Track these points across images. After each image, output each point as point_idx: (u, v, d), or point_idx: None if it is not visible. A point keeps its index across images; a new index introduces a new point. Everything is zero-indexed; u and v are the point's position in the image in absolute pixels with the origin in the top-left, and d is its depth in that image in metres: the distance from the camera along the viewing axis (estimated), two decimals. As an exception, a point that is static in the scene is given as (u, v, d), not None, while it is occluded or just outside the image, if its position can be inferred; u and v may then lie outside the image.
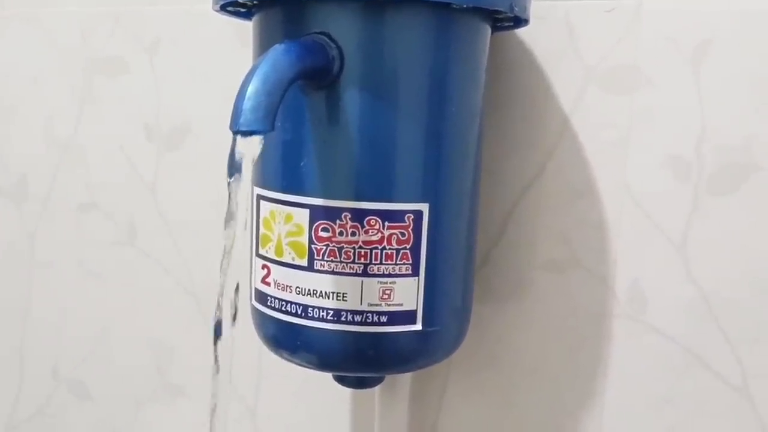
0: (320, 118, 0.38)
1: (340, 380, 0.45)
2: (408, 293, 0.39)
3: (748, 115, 0.44)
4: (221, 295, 0.34)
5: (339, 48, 0.37)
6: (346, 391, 0.55)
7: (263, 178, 0.40)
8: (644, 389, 0.48)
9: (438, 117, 0.39)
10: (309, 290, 0.39)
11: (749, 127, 0.44)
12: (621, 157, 0.46)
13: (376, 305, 0.39)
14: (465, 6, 0.37)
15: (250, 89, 0.33)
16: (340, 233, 0.38)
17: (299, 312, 0.39)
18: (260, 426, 0.60)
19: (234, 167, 0.33)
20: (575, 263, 0.48)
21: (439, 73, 0.39)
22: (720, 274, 0.45)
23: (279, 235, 0.39)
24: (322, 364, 0.41)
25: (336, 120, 0.38)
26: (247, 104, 0.33)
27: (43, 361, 0.68)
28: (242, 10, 0.42)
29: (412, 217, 0.38)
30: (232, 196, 0.34)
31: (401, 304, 0.39)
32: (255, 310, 0.42)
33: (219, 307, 0.34)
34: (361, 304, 0.38)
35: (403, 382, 0.51)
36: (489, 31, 0.42)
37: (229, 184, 0.34)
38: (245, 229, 0.34)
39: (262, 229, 0.40)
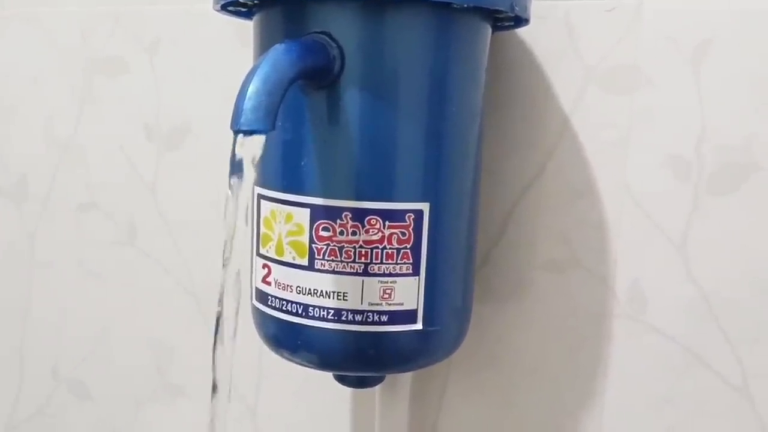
0: (321, 118, 0.38)
1: (341, 380, 0.45)
2: (408, 293, 0.39)
3: (748, 115, 0.44)
4: (222, 294, 0.34)
5: (340, 48, 0.37)
6: (347, 391, 0.55)
7: (264, 178, 0.40)
8: (644, 389, 0.48)
9: (438, 117, 0.39)
10: (310, 290, 0.39)
11: (749, 126, 0.44)
12: (621, 157, 0.46)
13: (377, 305, 0.39)
14: (466, 6, 0.37)
15: (251, 89, 0.34)
16: (341, 233, 0.38)
17: (300, 311, 0.39)
18: (261, 425, 0.60)
19: (235, 167, 0.33)
20: (575, 263, 0.48)
21: (439, 73, 0.39)
22: (720, 274, 0.45)
23: (280, 235, 0.39)
24: (323, 364, 0.41)
25: (336, 120, 0.38)
26: (248, 104, 0.33)
27: (43, 361, 0.68)
28: (243, 9, 0.42)
29: (413, 216, 0.39)
30: (233, 195, 0.34)
31: (402, 304, 0.39)
32: (255, 310, 0.42)
33: (220, 306, 0.34)
34: (361, 303, 0.38)
35: (403, 381, 0.51)
36: (489, 30, 0.42)
37: (229, 183, 0.34)
38: (246, 228, 0.34)
39: (262, 229, 0.40)
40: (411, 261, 0.39)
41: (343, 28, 0.37)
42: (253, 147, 0.33)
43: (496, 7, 0.39)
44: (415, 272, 0.39)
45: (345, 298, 0.38)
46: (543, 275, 0.49)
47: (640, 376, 0.48)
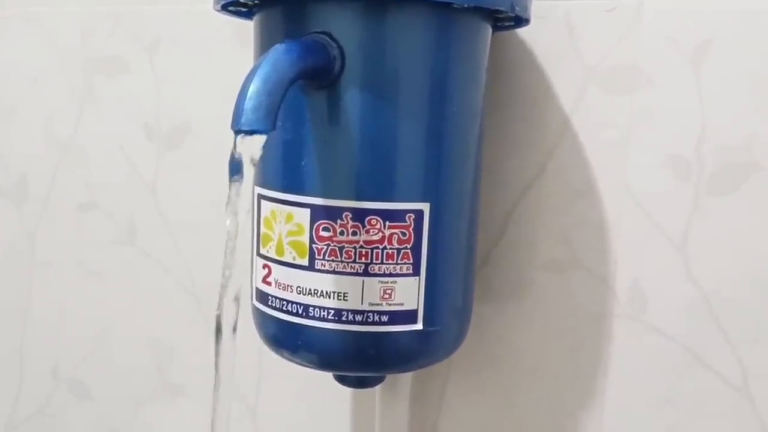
0: (321, 118, 0.38)
1: (341, 380, 0.45)
2: (409, 293, 0.39)
3: (749, 114, 0.44)
4: (222, 295, 0.34)
5: (340, 47, 0.37)
6: (347, 391, 0.55)
7: (264, 178, 0.40)
8: (644, 389, 0.48)
9: (439, 117, 0.39)
10: (310, 290, 0.39)
11: (749, 126, 0.44)
12: (621, 157, 0.46)
13: (377, 305, 0.39)
14: (466, 6, 0.37)
15: (252, 89, 0.34)
16: (341, 233, 0.38)
17: (300, 311, 0.39)
18: (261, 426, 0.60)
19: (235, 167, 0.34)
20: (575, 263, 0.48)
21: (439, 73, 0.39)
22: (720, 274, 0.45)
23: (280, 235, 0.39)
24: (323, 364, 0.41)
25: (337, 120, 0.38)
26: (249, 104, 0.33)
27: (43, 361, 0.68)
28: (243, 9, 0.42)
29: (413, 216, 0.39)
30: (233, 195, 0.34)
31: (402, 304, 0.39)
32: (256, 310, 0.42)
33: (220, 306, 0.34)
34: (362, 303, 0.38)
35: (403, 381, 0.51)
36: (490, 30, 0.42)
37: (230, 183, 0.34)
38: (246, 227, 0.34)
39: (263, 229, 0.40)
40: (411, 261, 0.39)
41: (343, 28, 0.37)
42: (253, 147, 0.33)
43: (497, 7, 0.39)
44: (416, 272, 0.39)
45: (345, 298, 0.38)
46: (543, 275, 0.49)
47: (640, 376, 0.48)
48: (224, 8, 0.42)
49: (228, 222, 0.34)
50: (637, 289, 0.47)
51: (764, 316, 0.44)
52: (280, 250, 0.39)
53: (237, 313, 0.34)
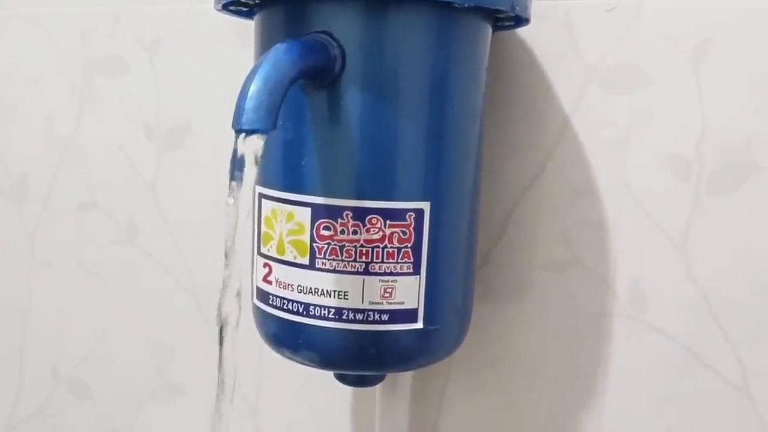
0: (322, 117, 0.38)
1: (342, 378, 0.45)
2: (409, 292, 0.39)
3: (748, 114, 0.44)
4: (223, 294, 0.34)
5: (341, 47, 0.37)
6: (347, 390, 0.55)
7: (265, 177, 0.40)
8: (644, 389, 0.48)
9: (439, 116, 0.39)
10: (310, 288, 0.39)
11: (749, 126, 0.44)
12: (621, 156, 0.47)
13: (378, 304, 0.39)
14: (466, 5, 0.37)
15: (252, 88, 0.34)
16: (342, 232, 0.38)
17: (301, 310, 0.39)
18: (262, 424, 0.60)
19: (236, 166, 0.34)
20: (575, 263, 0.48)
21: (440, 73, 0.39)
22: (720, 274, 0.45)
23: (280, 234, 0.39)
24: (324, 363, 0.41)
25: (337, 119, 0.38)
26: (249, 103, 0.33)
27: (43, 361, 0.68)
28: (244, 9, 0.42)
29: (414, 215, 0.39)
30: (234, 195, 0.34)
31: (402, 303, 0.39)
32: (256, 309, 0.42)
33: (221, 306, 0.34)
34: (362, 302, 0.39)
35: (404, 380, 0.51)
36: (490, 30, 0.42)
37: (230, 183, 0.34)
38: (246, 227, 0.34)
39: (263, 228, 0.40)
40: (412, 260, 0.39)
41: (344, 28, 0.37)
42: (254, 146, 0.34)
43: (497, 7, 0.39)
44: (416, 271, 0.39)
45: (346, 297, 0.39)
46: (543, 275, 0.49)
47: (640, 375, 0.48)
48: (225, 8, 0.42)
49: (228, 222, 0.34)
50: (637, 289, 0.47)
51: (764, 316, 0.45)
52: (280, 249, 0.39)
53: (238, 313, 0.34)
